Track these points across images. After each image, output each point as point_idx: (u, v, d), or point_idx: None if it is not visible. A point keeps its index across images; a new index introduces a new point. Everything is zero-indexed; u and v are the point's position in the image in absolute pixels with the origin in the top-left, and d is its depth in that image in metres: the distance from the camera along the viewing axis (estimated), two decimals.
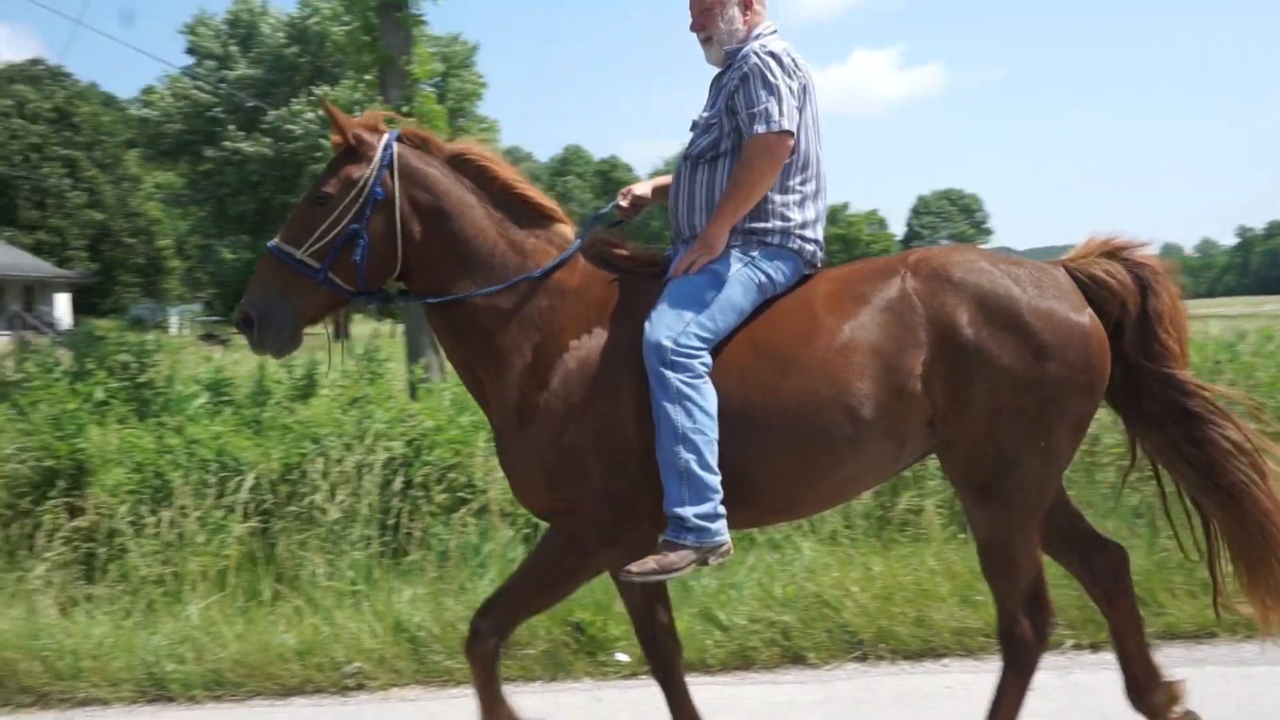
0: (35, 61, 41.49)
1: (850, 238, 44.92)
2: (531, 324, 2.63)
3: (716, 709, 3.16)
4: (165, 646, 3.92)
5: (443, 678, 3.87)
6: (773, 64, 2.66)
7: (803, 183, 2.73)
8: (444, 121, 7.05)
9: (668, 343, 2.50)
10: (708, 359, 2.53)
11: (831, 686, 3.72)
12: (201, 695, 3.81)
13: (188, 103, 34.94)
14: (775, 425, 2.54)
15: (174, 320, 38.34)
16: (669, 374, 2.47)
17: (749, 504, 2.60)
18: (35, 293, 37.00)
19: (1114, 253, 2.74)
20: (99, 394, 5.46)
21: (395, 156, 2.68)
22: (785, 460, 2.56)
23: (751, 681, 3.84)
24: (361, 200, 2.62)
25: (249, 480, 4.55)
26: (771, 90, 2.61)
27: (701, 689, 3.71)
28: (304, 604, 4.19)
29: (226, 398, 5.89)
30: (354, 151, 2.67)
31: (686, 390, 2.46)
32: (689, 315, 2.55)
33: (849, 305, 2.63)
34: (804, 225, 2.73)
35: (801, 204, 2.73)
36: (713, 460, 2.46)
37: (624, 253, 2.75)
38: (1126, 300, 2.66)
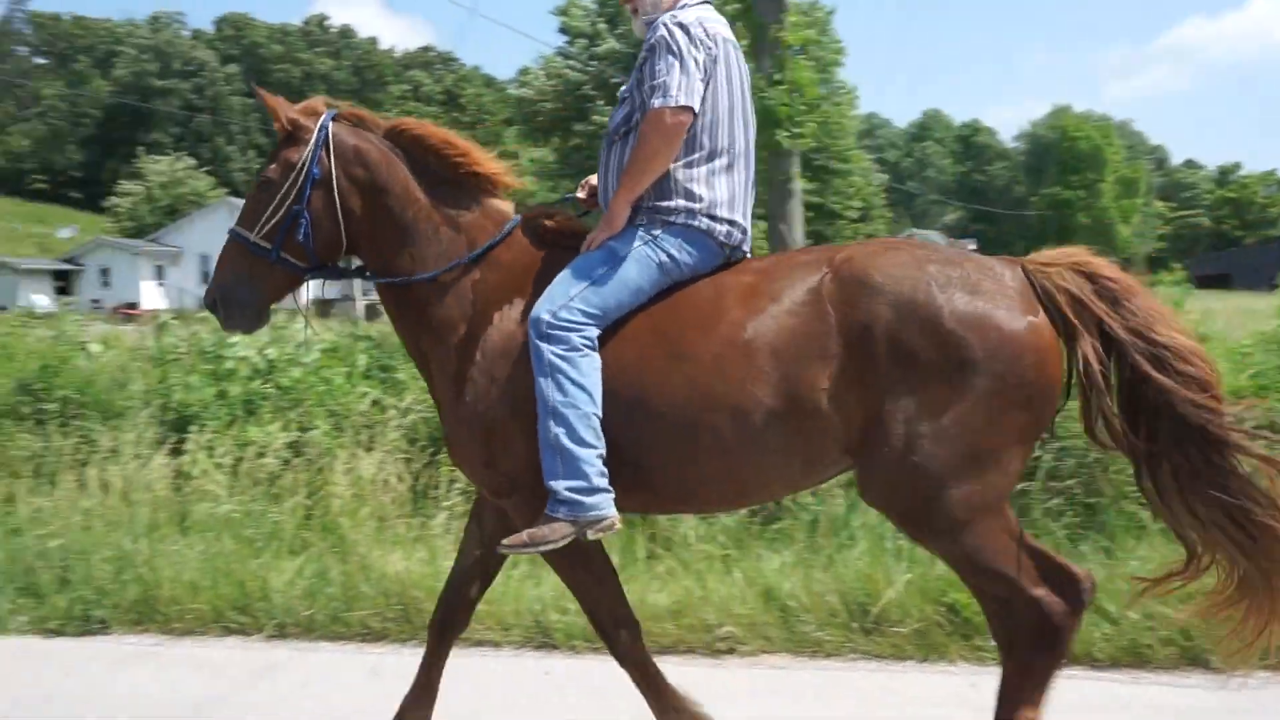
0: (427, 49, 48.15)
1: (1243, 201, 38.70)
2: (466, 297, 2.76)
3: (1103, 706, 3.03)
4: (550, 598, 4.37)
5: (812, 648, 4.08)
6: (679, 35, 2.63)
7: (711, 157, 2.70)
8: (815, 89, 7.10)
9: (546, 315, 2.59)
10: (590, 334, 2.57)
11: (1239, 695, 3.50)
12: (581, 646, 4.20)
13: (560, 81, 38.85)
14: (664, 414, 2.55)
15: None
16: (543, 346, 2.56)
17: (646, 489, 2.65)
18: None
19: (1076, 267, 2.57)
20: None
21: (330, 136, 2.86)
22: (674, 452, 2.57)
23: (1146, 681, 3.73)
24: (301, 181, 2.82)
25: None
26: (672, 63, 2.60)
27: (1088, 684, 3.58)
28: (677, 565, 4.54)
29: None
30: (292, 136, 2.87)
31: (559, 363, 2.53)
32: (575, 290, 2.62)
33: (760, 301, 2.57)
34: (714, 204, 2.70)
35: (710, 181, 2.70)
36: (586, 434, 2.50)
37: (551, 225, 2.83)
38: (1095, 309, 2.49)
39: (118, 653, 4.48)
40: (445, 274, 2.85)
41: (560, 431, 2.57)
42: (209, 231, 39.26)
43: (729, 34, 2.80)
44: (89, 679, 4.18)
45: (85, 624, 4.76)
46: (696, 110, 2.68)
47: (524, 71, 41.23)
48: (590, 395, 2.58)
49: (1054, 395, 2.49)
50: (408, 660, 3.41)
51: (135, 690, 4.04)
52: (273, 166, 2.93)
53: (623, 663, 2.81)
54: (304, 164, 2.88)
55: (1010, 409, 2.40)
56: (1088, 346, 2.46)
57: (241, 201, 3.10)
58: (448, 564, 4.00)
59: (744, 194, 2.83)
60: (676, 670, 3.76)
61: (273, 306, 2.96)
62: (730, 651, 4.14)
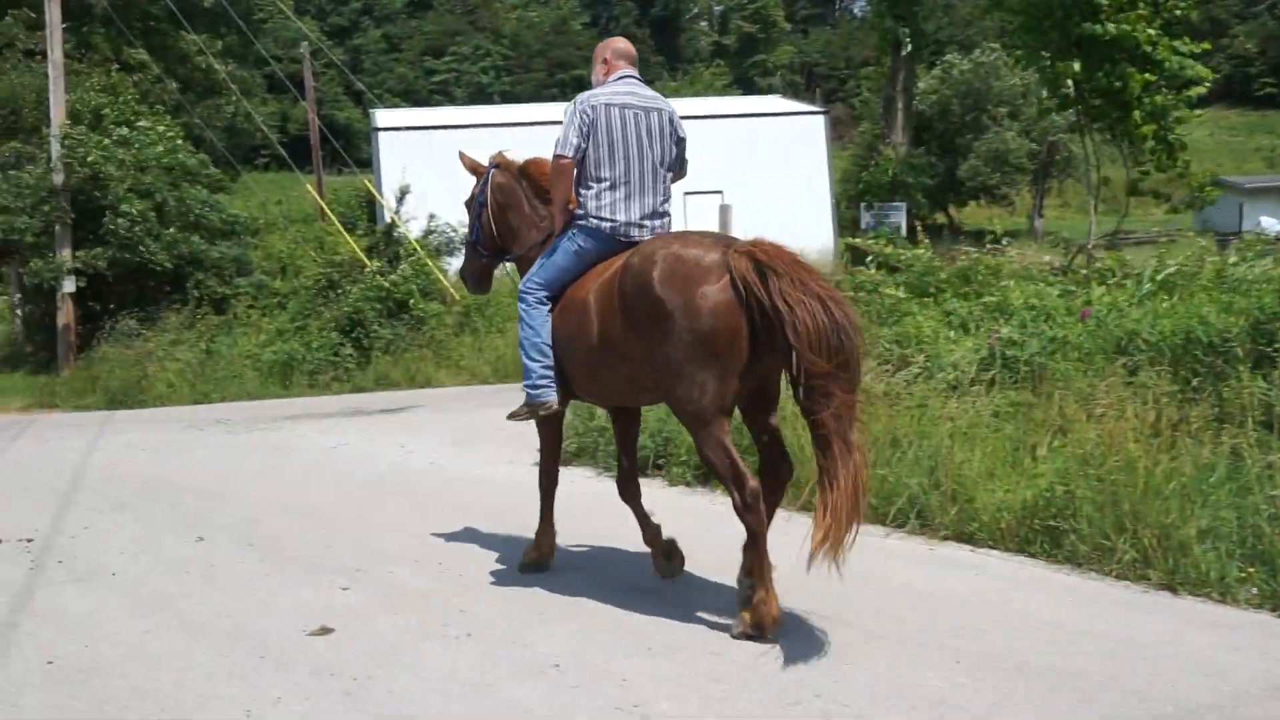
0: None
1: None
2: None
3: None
4: None
5: None
6: (571, 107, 6.13)
7: (598, 180, 6.06)
8: None
9: (522, 284, 6.20)
10: (541, 295, 6.12)
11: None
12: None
13: None
14: (560, 342, 6.08)
15: None
16: (519, 303, 6.20)
17: (571, 387, 6.24)
18: None
19: (748, 249, 5.35)
20: None
21: (489, 178, 6.80)
22: (570, 366, 6.10)
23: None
24: (476, 205, 6.89)
25: None
26: (565, 127, 6.09)
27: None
28: None
29: None
30: (476, 178, 6.96)
31: (521, 312, 6.13)
32: (535, 269, 6.23)
33: (603, 271, 5.90)
34: (599, 209, 6.05)
35: (599, 196, 6.06)
36: (534, 354, 6.07)
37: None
38: (751, 283, 5.21)
39: None
40: (523, 255, 6.72)
41: (522, 352, 6.14)
42: None
43: (620, 100, 6.13)
44: None
45: None
46: (570, 156, 6.06)
47: None
48: (537, 331, 6.06)
49: (724, 338, 5.28)
50: None
51: None
52: (469, 198, 7.00)
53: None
54: (477, 195, 6.94)
55: (691, 344, 5.30)
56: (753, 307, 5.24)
57: None
58: None
59: (630, 203, 6.05)
60: None
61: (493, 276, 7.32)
62: None
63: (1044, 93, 17.56)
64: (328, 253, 21.67)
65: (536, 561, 6.73)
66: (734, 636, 5.37)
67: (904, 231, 26.11)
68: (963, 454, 7.50)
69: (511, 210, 6.76)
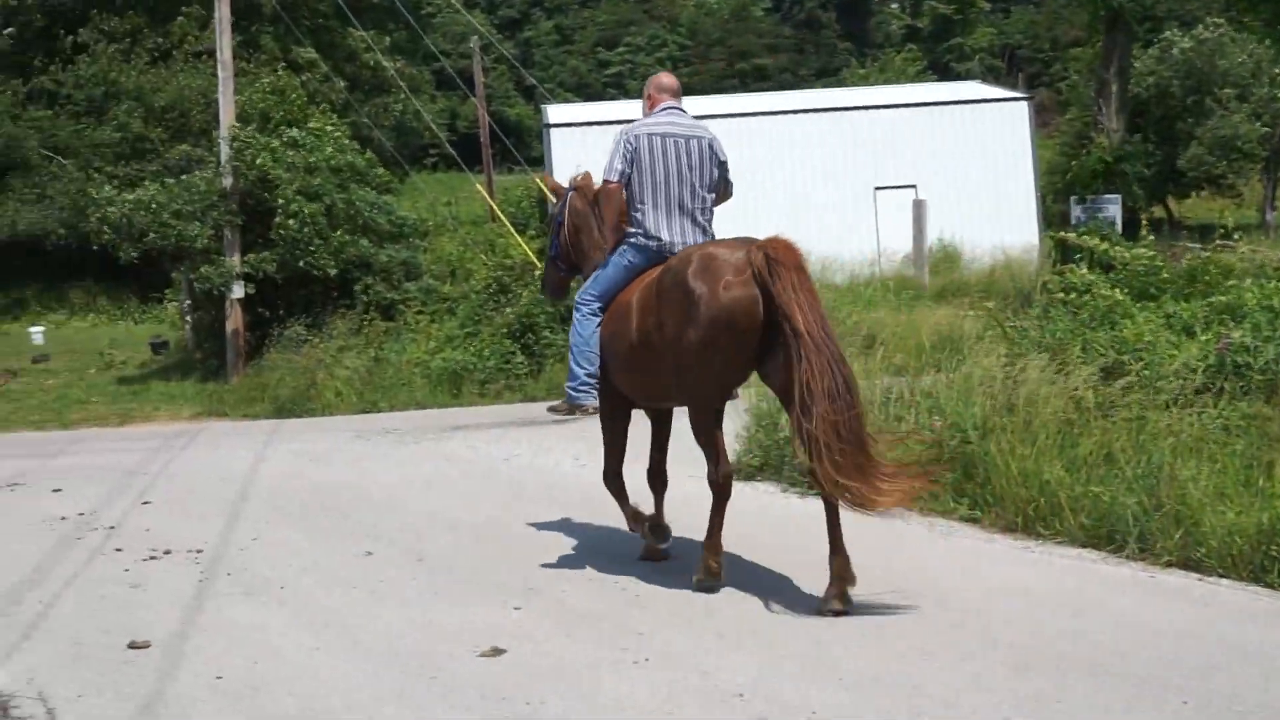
0: None
1: None
2: None
3: None
4: None
5: None
6: (618, 137, 7.26)
7: (641, 203, 7.15)
8: None
9: (578, 295, 7.44)
10: (595, 307, 7.27)
11: None
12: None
13: None
14: (603, 342, 7.24)
15: None
16: (574, 311, 7.40)
17: (616, 389, 7.35)
18: None
19: (762, 246, 6.48)
20: None
21: (568, 200, 7.94)
22: (612, 364, 7.22)
23: None
24: (555, 224, 8.23)
25: None
26: (611, 155, 7.21)
27: None
28: None
29: None
30: (557, 198, 8.36)
31: (575, 319, 7.31)
32: (589, 282, 7.41)
33: (645, 279, 7.05)
34: (643, 229, 7.15)
35: (643, 218, 7.14)
36: (580, 360, 7.23)
37: None
38: (760, 268, 6.37)
39: None
40: (590, 272, 7.65)
41: (571, 357, 7.31)
42: None
43: (661, 130, 7.23)
44: None
45: None
46: (615, 181, 7.25)
47: None
48: (586, 340, 7.22)
49: (740, 328, 6.46)
50: None
51: None
52: (549, 218, 9.12)
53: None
54: (555, 216, 8.21)
55: (711, 332, 6.49)
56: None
57: None
58: None
59: (669, 219, 7.16)
60: None
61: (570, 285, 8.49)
62: None
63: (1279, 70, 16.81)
64: (498, 255, 22.05)
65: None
66: (694, 587, 6.82)
67: (1119, 226, 25.31)
68: (1187, 471, 7.22)
69: (583, 232, 7.84)
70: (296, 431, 15.46)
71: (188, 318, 25.34)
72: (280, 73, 28.51)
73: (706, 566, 6.76)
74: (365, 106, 39.60)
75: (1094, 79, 31.04)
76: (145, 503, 10.41)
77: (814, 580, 6.87)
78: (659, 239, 7.15)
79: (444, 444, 13.15)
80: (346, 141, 24.09)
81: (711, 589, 6.70)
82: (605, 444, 7.79)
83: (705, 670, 5.45)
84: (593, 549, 7.93)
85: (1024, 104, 34.59)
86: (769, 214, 31.73)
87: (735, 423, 10.30)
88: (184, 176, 23.59)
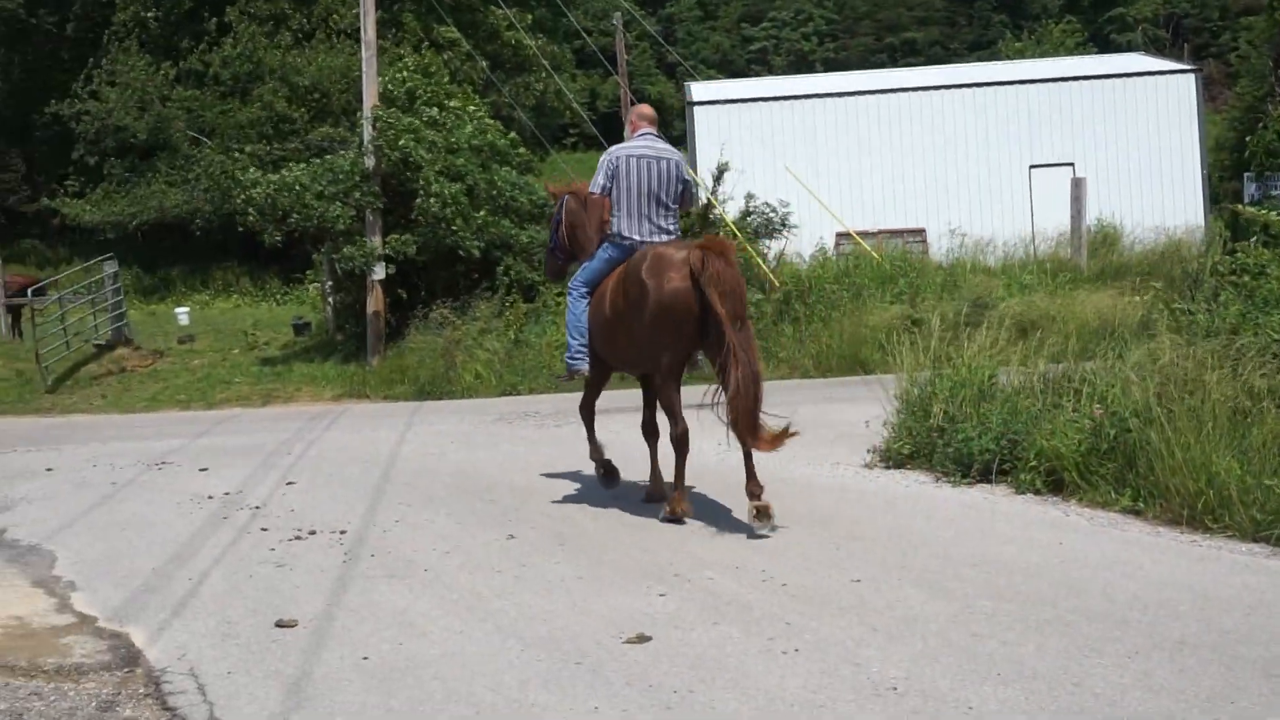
0: None
1: None
2: None
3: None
4: None
5: None
6: (604, 157, 9.15)
7: (617, 211, 8.99)
8: None
9: (570, 282, 9.52)
10: (583, 290, 9.23)
11: None
12: None
13: None
14: (590, 321, 9.16)
15: None
16: (567, 295, 9.59)
17: (600, 357, 9.26)
18: None
19: (700, 246, 8.31)
20: None
21: (564, 202, 9.91)
22: (596, 338, 9.14)
23: None
24: (554, 222, 10.18)
25: None
26: (597, 171, 9.10)
27: None
28: None
29: None
30: (555, 200, 10.32)
31: (569, 301, 9.39)
32: (580, 271, 9.38)
33: (618, 271, 8.88)
34: (619, 231, 8.98)
35: (619, 222, 8.98)
36: (573, 333, 9.22)
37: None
38: (694, 264, 8.13)
39: None
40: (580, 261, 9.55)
41: (566, 331, 9.47)
42: None
43: (636, 152, 9.00)
44: None
45: None
46: (598, 193, 9.10)
47: None
48: (578, 317, 9.19)
49: (677, 316, 8.28)
50: None
51: None
52: (552, 217, 10.42)
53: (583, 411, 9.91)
54: (555, 215, 10.15)
55: (653, 318, 8.37)
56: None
57: None
58: None
59: (639, 223, 8.92)
60: None
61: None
62: None
63: None
64: None
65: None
66: (660, 519, 8.57)
67: None
68: None
69: (577, 229, 9.66)
70: (437, 414, 15.71)
71: (329, 299, 25.85)
72: (424, 52, 28.87)
73: (675, 506, 8.53)
74: (506, 85, 40.00)
75: (1270, 48, 29.97)
76: (290, 483, 10.69)
77: (971, 574, 6.80)
78: (631, 239, 8.98)
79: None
80: (489, 121, 24.33)
81: (678, 522, 8.41)
82: (585, 388, 9.84)
83: (857, 661, 5.42)
84: (737, 537, 7.94)
85: (1190, 76, 33.53)
86: (918, 193, 31.47)
87: (884, 409, 10.21)
88: (326, 157, 24.05)
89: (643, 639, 5.86)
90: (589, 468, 10.33)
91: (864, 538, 7.76)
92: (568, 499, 9.49)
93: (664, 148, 9.17)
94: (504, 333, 20.25)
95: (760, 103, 33.09)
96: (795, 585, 6.71)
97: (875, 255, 22.79)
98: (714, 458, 10.80)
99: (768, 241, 22.24)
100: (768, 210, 22.11)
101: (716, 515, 8.59)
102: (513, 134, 25.37)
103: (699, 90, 36.20)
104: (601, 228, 9.24)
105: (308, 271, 29.90)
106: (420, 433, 13.68)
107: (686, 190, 9.33)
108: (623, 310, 8.63)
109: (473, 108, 24.19)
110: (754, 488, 8.16)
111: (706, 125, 32.16)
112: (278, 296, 37.67)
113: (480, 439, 12.94)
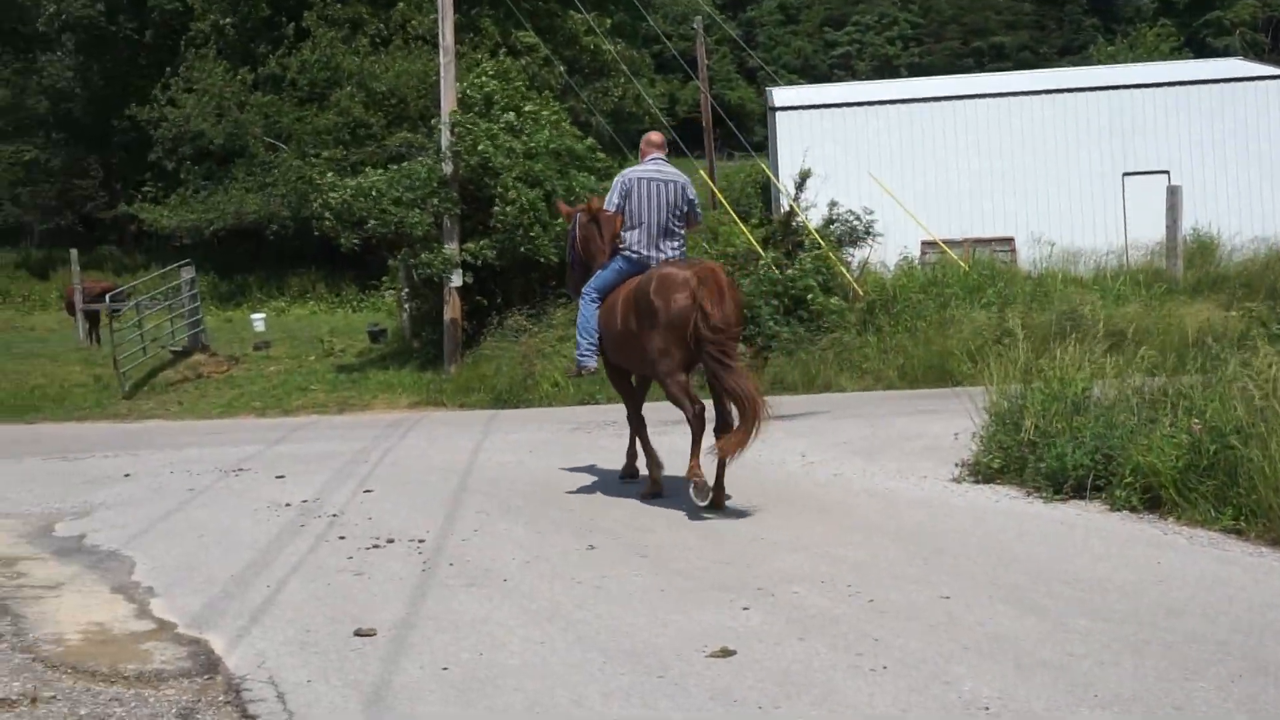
0: None
1: None
2: None
3: None
4: None
5: None
6: (617, 178, 10.59)
7: (630, 228, 10.31)
8: None
9: (584, 288, 10.71)
10: (594, 296, 10.51)
11: None
12: None
13: None
14: (602, 327, 10.42)
15: None
16: (580, 299, 10.80)
17: (610, 358, 10.70)
18: None
19: (696, 270, 9.52)
20: None
21: (577, 219, 11.07)
22: (607, 342, 10.44)
23: None
24: (570, 237, 11.39)
25: None
26: (611, 191, 10.51)
27: None
28: None
29: None
30: (567, 219, 11.78)
31: (580, 305, 10.71)
32: (593, 279, 10.61)
33: (630, 284, 10.08)
34: (628, 245, 10.30)
35: (628, 236, 10.31)
36: (584, 335, 10.52)
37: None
38: (694, 288, 9.34)
39: None
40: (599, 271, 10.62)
41: (577, 331, 10.70)
42: None
43: (647, 175, 10.34)
44: None
45: None
46: (612, 211, 10.40)
47: None
48: (588, 320, 10.47)
49: (676, 327, 9.43)
50: None
51: None
52: (568, 235, 11.48)
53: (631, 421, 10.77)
54: (570, 232, 11.28)
55: (654, 328, 9.56)
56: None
57: None
58: None
59: (648, 240, 10.26)
60: None
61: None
62: None
63: None
64: (720, 244, 22.11)
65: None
66: (693, 496, 9.36)
67: None
68: None
69: (590, 241, 10.67)
70: (514, 422, 15.80)
71: (405, 306, 26.06)
72: (502, 57, 29.06)
73: (696, 482, 9.32)
74: (585, 91, 40.16)
75: None
76: (367, 491, 10.78)
77: (1065, 591, 6.72)
78: (640, 253, 10.25)
79: (663, 437, 13.19)
80: (566, 126, 24.42)
81: (701, 491, 9.30)
82: (622, 397, 11.04)
83: (948, 680, 5.37)
84: (823, 549, 7.90)
85: None
86: (1006, 201, 31.20)
87: (972, 422, 10.13)
88: (404, 164, 24.24)
89: (726, 653, 5.84)
90: (665, 479, 10.33)
91: (952, 553, 7.69)
92: (647, 510, 9.49)
93: (671, 172, 10.49)
94: None
95: (844, 108, 33.00)
96: (883, 600, 6.66)
97: (962, 264, 22.59)
98: (798, 468, 10.77)
99: (851, 249, 22.12)
100: (851, 218, 22.01)
101: (800, 529, 8.56)
102: (590, 139, 25.42)
103: (781, 95, 36.18)
104: (613, 241, 10.45)
105: (384, 278, 30.15)
106: (497, 441, 13.75)
107: (691, 210, 10.55)
108: (633, 324, 9.80)
109: (548, 112, 24.29)
110: (719, 496, 9.46)
111: (789, 131, 32.13)
112: (354, 303, 38.07)
113: (558, 448, 12.98)
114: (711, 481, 9.33)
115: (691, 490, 9.32)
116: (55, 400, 23.17)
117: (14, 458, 14.79)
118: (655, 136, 10.89)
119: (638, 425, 10.65)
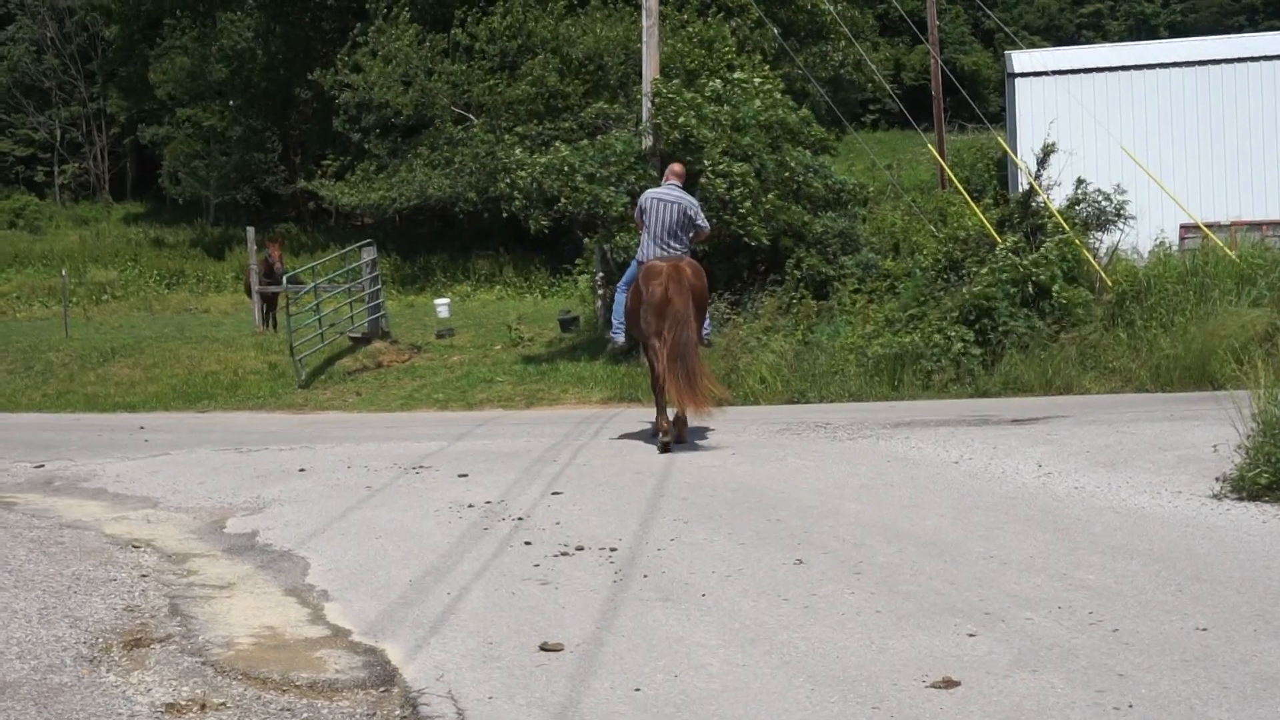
0: None
1: None
2: None
3: None
4: None
5: None
6: (640, 197, 15.03)
7: (643, 237, 14.30)
8: None
9: (619, 283, 15.57)
10: (623, 287, 14.93)
11: None
12: None
13: None
14: (627, 309, 14.75)
15: None
16: (616, 290, 15.80)
17: (631, 330, 14.83)
18: None
19: (673, 263, 13.89)
20: None
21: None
22: (629, 319, 14.72)
23: None
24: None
25: None
26: (637, 207, 14.68)
27: None
28: None
29: None
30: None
31: (615, 294, 15.64)
32: (626, 274, 15.07)
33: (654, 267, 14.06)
34: (644, 250, 14.20)
35: (641, 246, 14.35)
36: (617, 315, 15.13)
37: None
38: (669, 277, 13.75)
39: None
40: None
41: (611, 313, 16.02)
42: None
43: (660, 196, 14.26)
44: None
45: None
46: (636, 221, 14.76)
47: None
48: (619, 305, 15.10)
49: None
50: None
51: None
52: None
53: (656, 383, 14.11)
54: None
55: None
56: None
57: None
58: None
59: (654, 246, 14.04)
60: None
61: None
62: None
63: None
64: (950, 227, 21.83)
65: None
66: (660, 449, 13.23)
67: None
68: None
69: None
70: (716, 421, 15.83)
71: (599, 292, 26.34)
72: (709, 20, 29.09)
73: (660, 427, 13.68)
74: (800, 56, 39.97)
75: None
76: (555, 493, 10.94)
77: None
78: (645, 260, 13.77)
79: (883, 442, 13.17)
80: (778, 95, 24.35)
81: (663, 446, 13.36)
82: (651, 369, 14.30)
83: None
84: (1060, 571, 7.75)
85: None
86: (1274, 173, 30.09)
87: (1236, 431, 9.81)
88: (600, 137, 24.44)
89: (949, 684, 5.79)
90: (887, 487, 10.28)
91: (1211, 580, 7.47)
92: (864, 522, 9.43)
93: (680, 194, 14.09)
94: (792, 333, 20.29)
95: (1093, 74, 32.26)
96: (1128, 631, 6.51)
97: (1229, 251, 21.86)
98: (1034, 480, 10.59)
99: (1099, 234, 21.62)
100: (1100, 198, 21.51)
101: (1035, 548, 8.41)
102: (805, 110, 25.29)
103: (1021, 60, 35.50)
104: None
105: (577, 261, 30.52)
106: (698, 442, 13.82)
107: (695, 224, 14.06)
108: (640, 301, 13.70)
109: (759, 79, 24.23)
110: (682, 431, 13.92)
111: (1030, 100, 31.58)
112: (543, 288, 38.62)
113: (765, 451, 12.99)
114: (672, 439, 13.47)
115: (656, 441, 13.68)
116: (228, 388, 24.11)
117: (186, 448, 15.40)
118: (678, 167, 14.82)
119: (654, 385, 13.94)
